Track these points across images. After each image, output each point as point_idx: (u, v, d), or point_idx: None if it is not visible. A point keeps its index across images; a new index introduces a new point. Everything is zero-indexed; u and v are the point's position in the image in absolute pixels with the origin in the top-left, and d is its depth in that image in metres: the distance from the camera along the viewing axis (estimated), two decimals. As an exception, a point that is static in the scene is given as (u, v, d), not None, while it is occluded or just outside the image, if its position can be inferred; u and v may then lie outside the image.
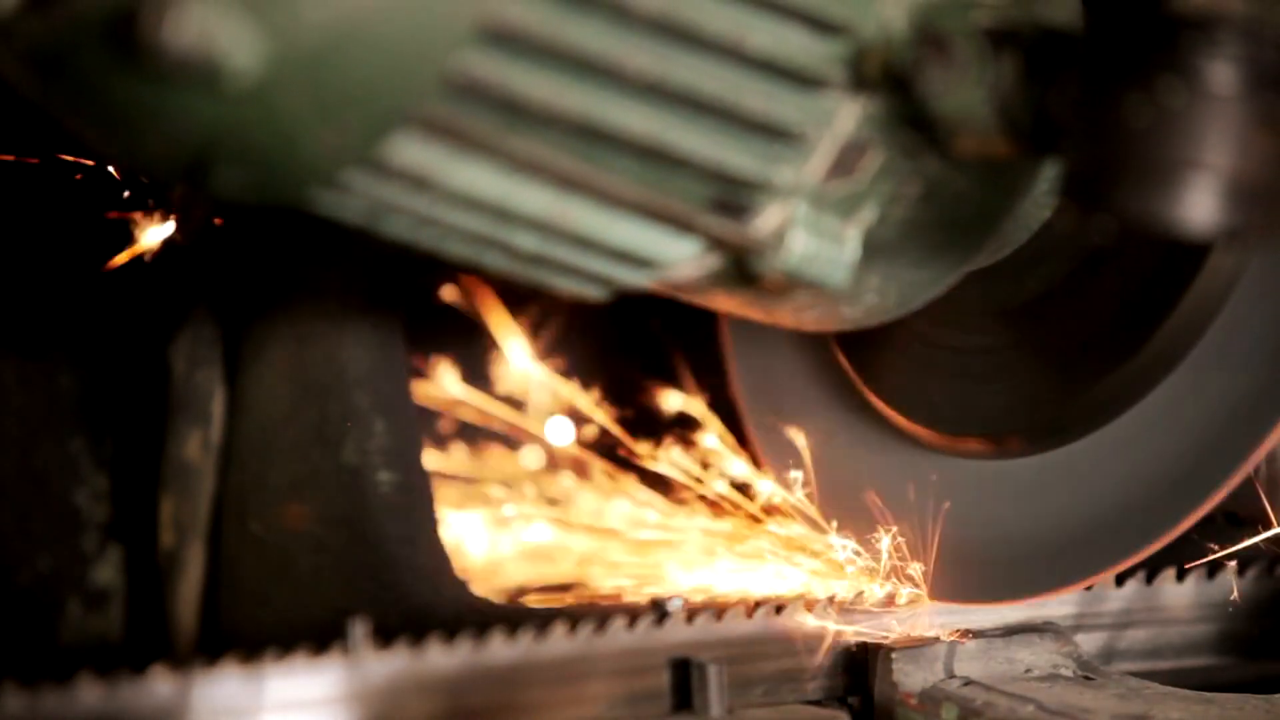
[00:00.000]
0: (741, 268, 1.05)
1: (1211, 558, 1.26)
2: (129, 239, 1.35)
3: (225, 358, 1.35)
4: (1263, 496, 1.18)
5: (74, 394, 1.37)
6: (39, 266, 1.36)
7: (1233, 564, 1.25)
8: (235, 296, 1.36)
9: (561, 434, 1.46)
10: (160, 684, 1.04)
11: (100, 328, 1.38)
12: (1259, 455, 1.12)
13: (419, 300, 1.42)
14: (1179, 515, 1.14)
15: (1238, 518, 1.19)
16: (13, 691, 1.01)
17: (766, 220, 1.03)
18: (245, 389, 1.34)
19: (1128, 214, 0.95)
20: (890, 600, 1.20)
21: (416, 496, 1.34)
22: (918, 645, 1.17)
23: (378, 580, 1.31)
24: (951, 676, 1.16)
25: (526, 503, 1.48)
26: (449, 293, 1.45)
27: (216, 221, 1.34)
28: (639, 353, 1.51)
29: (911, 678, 1.16)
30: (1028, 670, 1.18)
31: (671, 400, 1.44)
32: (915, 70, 0.99)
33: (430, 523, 1.34)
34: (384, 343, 1.35)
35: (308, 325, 1.33)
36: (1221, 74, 0.92)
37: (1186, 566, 1.25)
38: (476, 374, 1.50)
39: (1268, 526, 1.19)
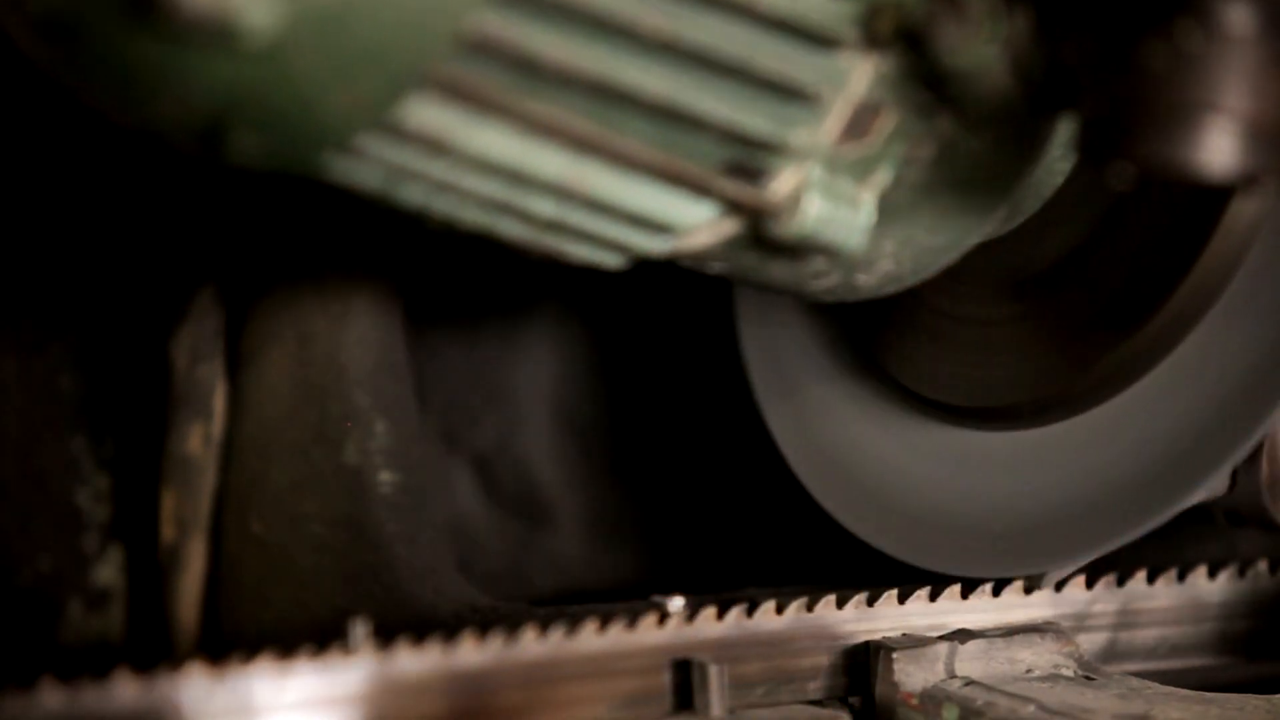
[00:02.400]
0: (757, 232, 1.05)
1: (1212, 558, 1.27)
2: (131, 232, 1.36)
3: (227, 352, 1.35)
4: (1265, 495, 1.18)
5: (75, 393, 1.37)
6: (39, 264, 1.36)
7: (1233, 564, 1.26)
8: (237, 292, 1.36)
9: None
10: (161, 684, 1.04)
11: (101, 324, 1.38)
12: (1273, 419, 1.12)
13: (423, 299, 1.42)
14: (1190, 484, 1.14)
15: (1240, 516, 1.19)
16: (12, 691, 1.01)
17: (782, 183, 1.03)
18: (246, 388, 1.34)
19: (1146, 160, 0.95)
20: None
21: (418, 497, 1.34)
22: (919, 645, 1.17)
23: (379, 580, 1.31)
24: (952, 677, 1.16)
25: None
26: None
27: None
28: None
29: (912, 678, 1.16)
30: (1029, 670, 1.18)
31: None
32: (928, 27, 0.99)
33: (432, 523, 1.34)
34: (385, 343, 1.35)
35: (309, 324, 1.33)
36: (1238, 16, 0.92)
37: (1187, 567, 1.25)
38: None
39: (1270, 525, 1.19)
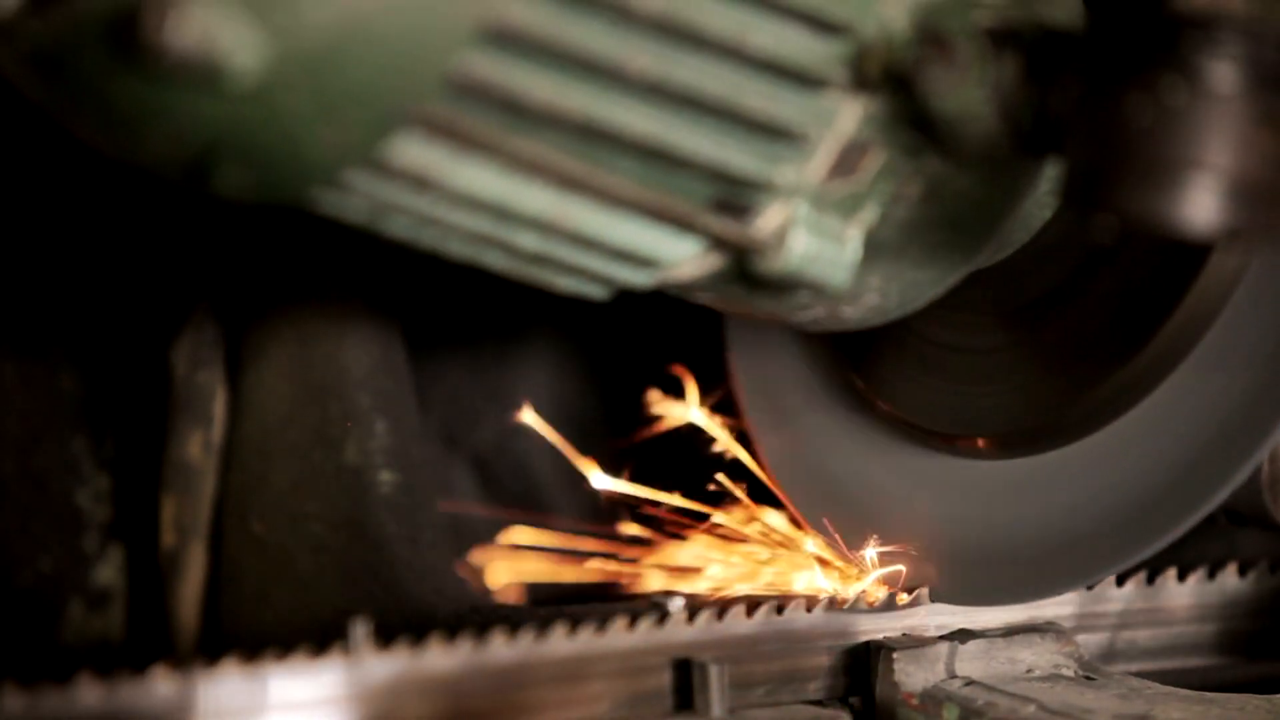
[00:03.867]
0: (743, 268, 1.05)
1: (1214, 558, 1.27)
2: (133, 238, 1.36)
3: (227, 358, 1.35)
4: (1265, 495, 1.18)
5: (75, 395, 1.37)
6: (42, 268, 1.37)
7: (1234, 564, 1.26)
8: (237, 297, 1.36)
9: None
10: (161, 684, 1.04)
11: (102, 329, 1.38)
12: (1261, 454, 1.12)
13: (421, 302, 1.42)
14: (1181, 515, 1.13)
15: (1240, 516, 1.19)
16: (13, 691, 1.01)
17: (768, 220, 1.03)
18: (246, 389, 1.34)
19: (1129, 214, 0.95)
20: (891, 601, 1.20)
21: (418, 497, 1.34)
22: (919, 645, 1.17)
23: (379, 580, 1.31)
24: (953, 677, 1.16)
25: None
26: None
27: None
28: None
29: (913, 678, 1.16)
30: (1029, 670, 1.18)
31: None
32: (916, 70, 0.99)
33: (432, 523, 1.34)
34: (385, 343, 1.35)
35: (309, 325, 1.33)
36: (1223, 73, 0.92)
37: (1187, 566, 1.25)
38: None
39: (1270, 525, 1.19)
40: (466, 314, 1.49)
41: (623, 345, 1.52)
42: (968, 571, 1.22)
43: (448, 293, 1.47)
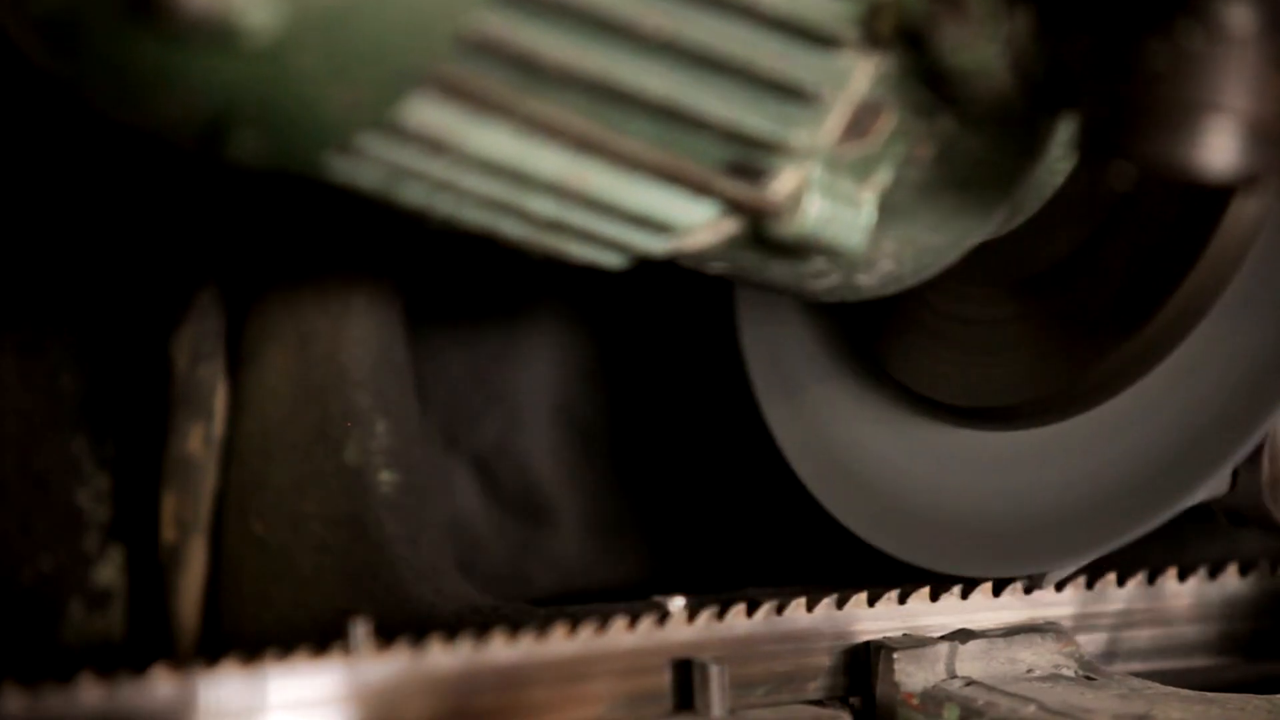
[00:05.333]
0: (758, 233, 1.05)
1: (1214, 558, 1.27)
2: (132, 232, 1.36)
3: (228, 352, 1.35)
4: (1266, 495, 1.18)
5: (75, 394, 1.37)
6: (40, 263, 1.37)
7: (1234, 564, 1.26)
8: (237, 294, 1.36)
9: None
10: (161, 684, 1.04)
11: (102, 324, 1.38)
12: (1276, 417, 1.12)
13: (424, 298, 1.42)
14: (1196, 480, 1.14)
15: (1241, 516, 1.19)
16: (13, 691, 1.01)
17: (782, 183, 1.03)
18: (246, 388, 1.34)
19: (1147, 159, 0.95)
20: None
21: (418, 497, 1.34)
22: (919, 645, 1.17)
23: (379, 580, 1.31)
24: (953, 677, 1.16)
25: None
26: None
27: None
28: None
29: (913, 678, 1.16)
30: (1029, 670, 1.18)
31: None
32: (929, 27, 0.99)
33: (432, 523, 1.34)
34: (386, 342, 1.35)
35: (309, 324, 1.33)
36: (1239, 16, 0.93)
37: (1187, 566, 1.25)
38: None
39: (1270, 526, 1.19)
40: (467, 313, 1.49)
41: (624, 345, 1.52)
42: (979, 543, 1.22)
43: (448, 291, 1.47)
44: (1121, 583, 1.23)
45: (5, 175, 1.34)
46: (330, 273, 1.35)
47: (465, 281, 1.48)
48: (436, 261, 1.43)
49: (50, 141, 1.33)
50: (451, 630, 1.11)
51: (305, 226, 1.34)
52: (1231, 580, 1.25)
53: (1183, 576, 1.25)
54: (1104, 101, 0.96)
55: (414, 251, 1.38)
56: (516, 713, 1.11)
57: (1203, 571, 1.25)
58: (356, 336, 1.34)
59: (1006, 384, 1.22)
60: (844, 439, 1.30)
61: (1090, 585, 1.22)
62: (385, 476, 1.33)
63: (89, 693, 1.02)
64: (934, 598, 1.19)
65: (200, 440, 1.34)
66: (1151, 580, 1.24)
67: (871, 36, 1.00)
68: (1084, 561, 1.20)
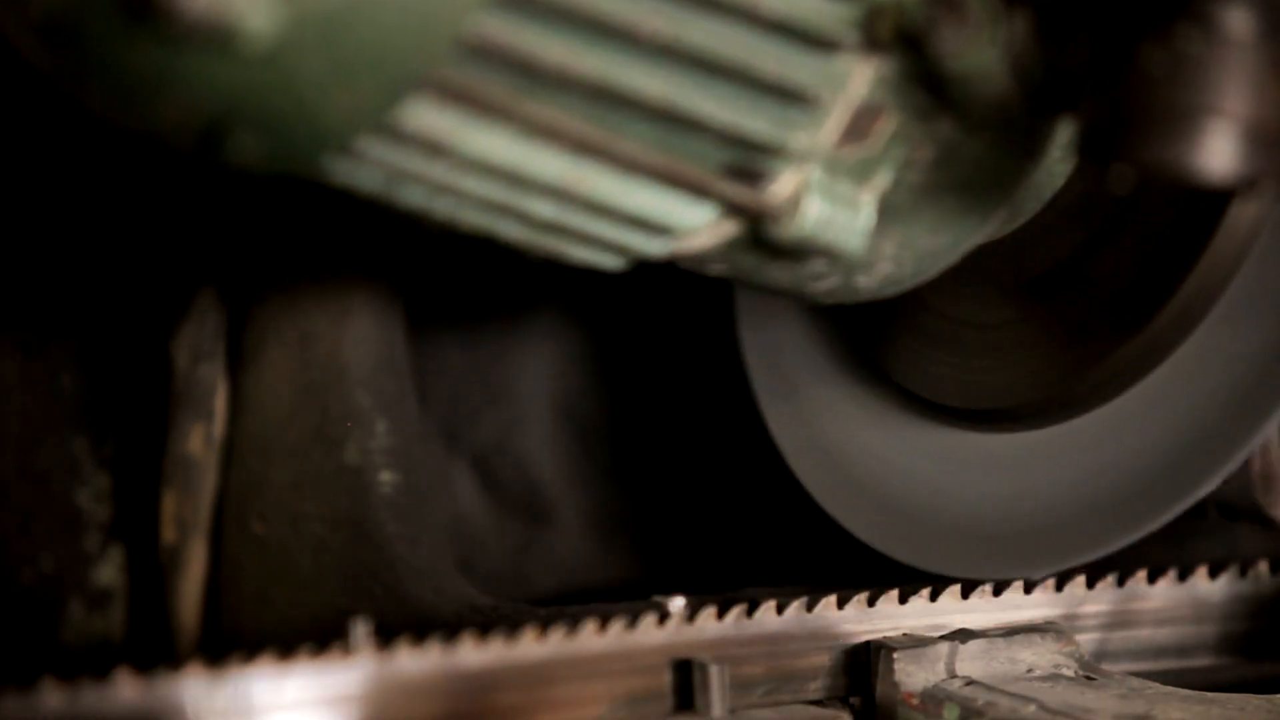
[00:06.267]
0: (757, 235, 1.05)
1: (1214, 558, 1.27)
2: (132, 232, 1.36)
3: (228, 352, 1.35)
4: (1256, 489, 1.18)
5: (75, 394, 1.37)
6: (40, 264, 1.37)
7: (1234, 564, 1.26)
8: (237, 294, 1.36)
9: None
10: (161, 684, 1.04)
11: (102, 324, 1.38)
12: (1275, 421, 1.12)
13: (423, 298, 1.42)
14: (1196, 482, 1.14)
15: (1233, 510, 1.19)
16: (13, 692, 1.01)
17: (781, 186, 1.03)
18: (247, 388, 1.34)
19: (1146, 163, 0.95)
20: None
21: (418, 496, 1.34)
22: (919, 645, 1.17)
23: (379, 580, 1.31)
24: (953, 676, 1.16)
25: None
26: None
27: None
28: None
29: (913, 678, 1.16)
30: (1029, 670, 1.18)
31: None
32: (928, 31, 0.99)
33: (432, 523, 1.34)
34: (387, 342, 1.35)
35: (309, 324, 1.33)
36: (1238, 20, 0.93)
37: (1188, 567, 1.25)
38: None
39: (1261, 520, 1.19)
40: (467, 313, 1.49)
41: (624, 344, 1.52)
42: (978, 544, 1.22)
43: (449, 291, 1.47)
44: (1121, 583, 1.23)
45: (6, 176, 1.34)
46: (330, 273, 1.35)
47: (465, 281, 1.48)
48: (436, 261, 1.43)
49: (51, 142, 1.33)
50: (451, 630, 1.11)
51: (305, 227, 1.34)
52: (1231, 580, 1.25)
53: (1183, 577, 1.25)
54: (1103, 105, 0.96)
55: (414, 251, 1.38)
56: (517, 713, 1.11)
57: (1203, 571, 1.25)
58: (356, 336, 1.34)
59: (1006, 386, 1.22)
60: (844, 441, 1.30)
61: (1090, 585, 1.22)
62: (385, 476, 1.33)
63: (88, 693, 1.02)
64: (934, 598, 1.19)
65: (201, 440, 1.34)
66: (1152, 580, 1.24)
67: (871, 40, 1.00)
68: (1089, 560, 1.20)
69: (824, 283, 1.10)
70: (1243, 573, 1.25)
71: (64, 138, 1.33)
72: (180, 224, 1.36)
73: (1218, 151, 0.93)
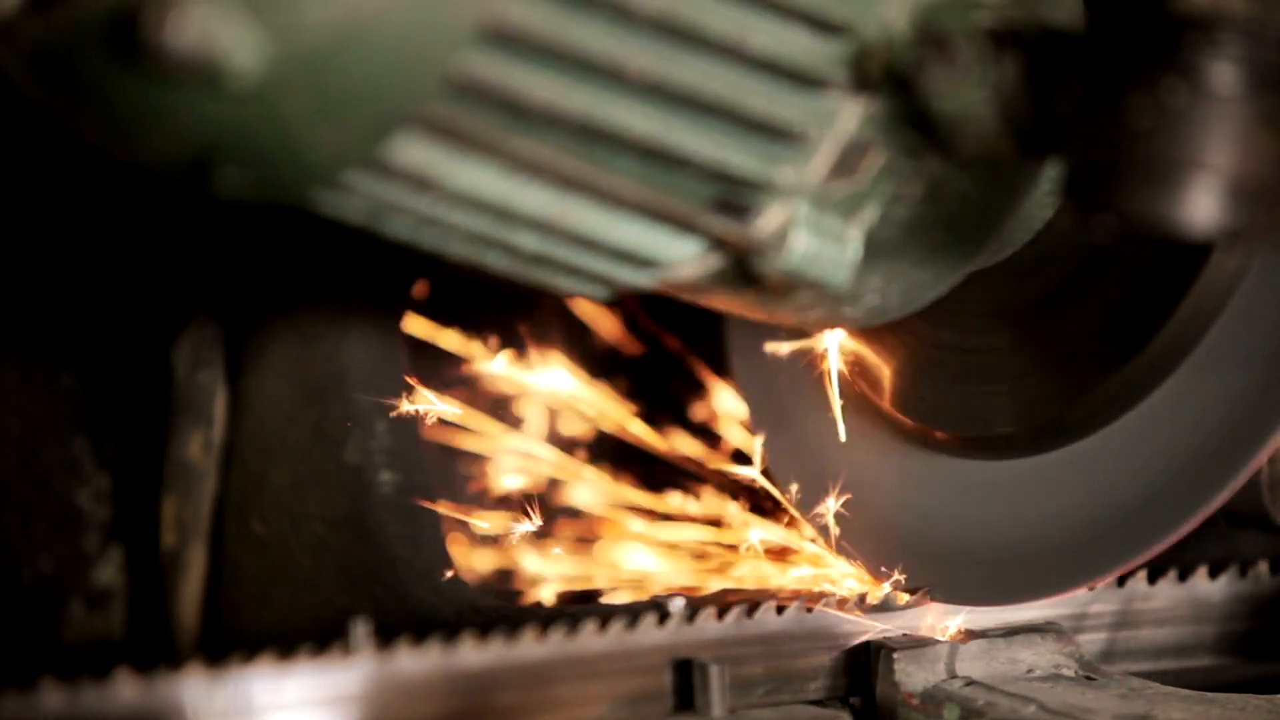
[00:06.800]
0: (743, 268, 1.05)
1: (1214, 558, 1.27)
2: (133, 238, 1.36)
3: (227, 358, 1.35)
4: (1265, 496, 1.18)
5: (76, 394, 1.37)
6: (43, 270, 1.37)
7: (1234, 564, 1.26)
8: (237, 298, 1.36)
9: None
10: (161, 684, 1.04)
11: (103, 329, 1.38)
12: (1262, 456, 1.12)
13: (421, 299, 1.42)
14: (1184, 514, 1.14)
15: (1240, 518, 1.19)
16: (13, 691, 1.01)
17: (768, 220, 1.03)
18: (247, 389, 1.34)
19: (1129, 214, 0.95)
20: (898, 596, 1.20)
21: (418, 496, 1.34)
22: (920, 645, 1.17)
23: (379, 580, 1.31)
24: (953, 677, 1.16)
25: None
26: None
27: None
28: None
29: (913, 678, 1.16)
30: (1029, 670, 1.18)
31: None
32: (917, 71, 0.99)
33: (432, 523, 1.34)
34: (386, 342, 1.35)
35: (309, 325, 1.33)
36: (1223, 74, 0.93)
37: (1187, 566, 1.25)
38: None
39: (1269, 527, 1.19)
40: (467, 313, 1.49)
41: (624, 343, 1.52)
42: (971, 571, 1.22)
43: (449, 291, 1.47)
44: (1122, 583, 1.23)
45: (10, 187, 1.34)
46: (330, 276, 1.35)
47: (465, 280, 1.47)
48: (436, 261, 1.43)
49: (52, 149, 1.33)
50: (452, 630, 1.11)
51: (304, 228, 1.34)
52: (1231, 580, 1.25)
53: (1183, 576, 1.25)
54: (1088, 154, 0.96)
55: (414, 251, 1.38)
56: (517, 713, 1.11)
57: (1203, 571, 1.25)
58: (356, 337, 1.34)
59: (998, 413, 1.22)
60: (836, 468, 1.30)
61: (1092, 585, 1.22)
62: (385, 477, 1.33)
63: (89, 693, 1.02)
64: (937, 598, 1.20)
65: (200, 446, 1.34)
66: (1152, 580, 1.24)
67: (860, 78, 1.00)
68: (1077, 589, 1.20)
69: (810, 314, 1.10)
70: (1243, 573, 1.26)
71: (65, 147, 1.33)
72: (180, 230, 1.36)
73: (1200, 205, 0.93)
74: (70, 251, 1.37)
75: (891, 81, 1.00)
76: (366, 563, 1.31)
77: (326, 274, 1.35)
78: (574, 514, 1.48)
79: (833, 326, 1.12)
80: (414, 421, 1.35)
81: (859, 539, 1.28)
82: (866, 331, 1.14)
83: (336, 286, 1.35)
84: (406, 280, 1.38)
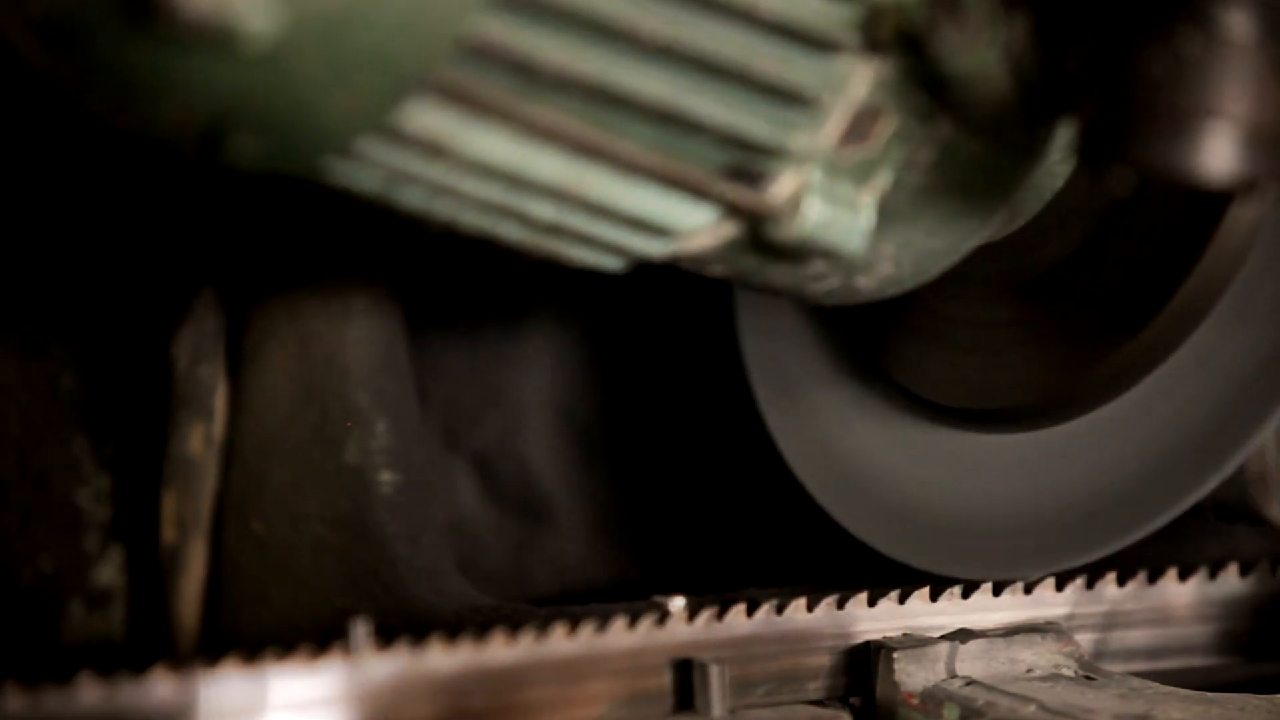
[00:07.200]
0: (757, 236, 1.05)
1: (1214, 558, 1.27)
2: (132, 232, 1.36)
3: (228, 352, 1.35)
4: (1252, 490, 1.18)
5: (75, 394, 1.37)
6: (41, 265, 1.37)
7: (1234, 564, 1.26)
8: (237, 294, 1.36)
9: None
10: (161, 684, 1.04)
11: (102, 323, 1.38)
12: (1270, 426, 1.12)
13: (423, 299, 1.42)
14: (1194, 483, 1.14)
15: (1229, 511, 1.19)
16: (13, 691, 1.01)
17: (781, 187, 1.03)
18: (247, 388, 1.34)
19: (1145, 164, 0.95)
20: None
21: (418, 497, 1.34)
22: (919, 645, 1.17)
23: (379, 580, 1.31)
24: (953, 676, 1.16)
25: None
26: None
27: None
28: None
29: (913, 678, 1.16)
30: (1029, 670, 1.18)
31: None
32: (928, 32, 0.99)
33: (432, 523, 1.34)
34: (387, 342, 1.35)
35: (310, 324, 1.33)
36: (1238, 22, 0.93)
37: (1187, 566, 1.25)
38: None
39: (1257, 521, 1.19)
40: (467, 312, 1.49)
41: (624, 345, 1.52)
42: (979, 545, 1.22)
43: (448, 291, 1.47)
44: (1122, 583, 1.23)
45: (7, 176, 1.34)
46: (330, 273, 1.35)
47: (465, 282, 1.48)
48: (436, 262, 1.43)
49: (51, 142, 1.33)
50: (451, 630, 1.11)
51: (306, 227, 1.34)
52: (1231, 580, 1.25)
53: (1183, 576, 1.25)
54: (1102, 107, 0.96)
55: (414, 252, 1.38)
56: (517, 713, 1.11)
57: (1203, 571, 1.25)
58: (356, 337, 1.34)
59: (1007, 386, 1.22)
60: (844, 442, 1.30)
61: (1090, 585, 1.22)
62: (385, 476, 1.33)
63: (89, 693, 1.02)
64: (934, 598, 1.19)
65: (201, 440, 1.34)
66: (1152, 580, 1.24)
67: (871, 41, 1.00)
68: (1090, 560, 1.20)
69: (824, 283, 1.10)
70: (1243, 573, 1.26)
71: (65, 138, 1.33)
72: (180, 224, 1.36)
73: (1217, 153, 0.93)
74: (70, 247, 1.37)
75: (902, 44, 1.00)
76: (366, 563, 1.31)
77: (328, 273, 1.35)
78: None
79: (846, 299, 1.11)
80: (415, 421, 1.35)
81: (865, 513, 1.28)
82: (875, 305, 1.14)
83: (338, 285, 1.35)
84: (408, 280, 1.38)
